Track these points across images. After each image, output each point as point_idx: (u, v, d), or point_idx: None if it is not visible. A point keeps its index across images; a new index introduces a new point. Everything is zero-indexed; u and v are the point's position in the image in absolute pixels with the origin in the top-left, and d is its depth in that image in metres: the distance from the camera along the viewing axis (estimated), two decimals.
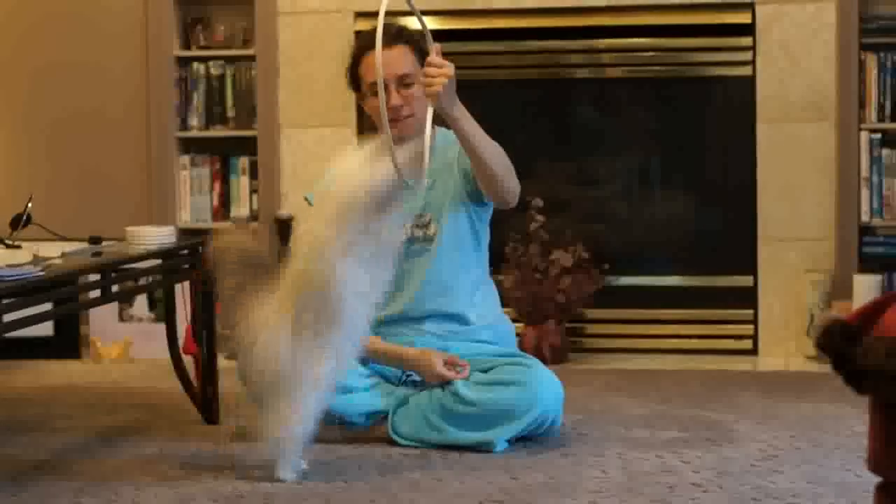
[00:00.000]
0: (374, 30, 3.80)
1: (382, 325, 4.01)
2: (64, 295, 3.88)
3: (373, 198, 3.45)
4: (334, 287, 3.41)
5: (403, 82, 3.95)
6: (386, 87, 3.89)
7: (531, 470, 3.62)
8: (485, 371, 3.91)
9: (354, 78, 4.04)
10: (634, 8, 5.58)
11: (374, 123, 4.01)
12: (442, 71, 3.62)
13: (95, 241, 4.30)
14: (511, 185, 3.86)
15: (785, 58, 5.47)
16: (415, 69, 3.93)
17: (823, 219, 5.48)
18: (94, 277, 3.95)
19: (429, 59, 3.65)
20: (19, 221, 4.23)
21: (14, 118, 6.02)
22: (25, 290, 3.56)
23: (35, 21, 5.96)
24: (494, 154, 3.80)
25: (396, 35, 3.95)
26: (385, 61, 3.80)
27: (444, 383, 3.90)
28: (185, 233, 5.68)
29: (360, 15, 5.72)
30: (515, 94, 5.73)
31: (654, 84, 5.66)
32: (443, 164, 4.03)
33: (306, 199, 4.05)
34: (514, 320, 4.41)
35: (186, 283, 4.25)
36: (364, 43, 3.99)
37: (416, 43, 3.96)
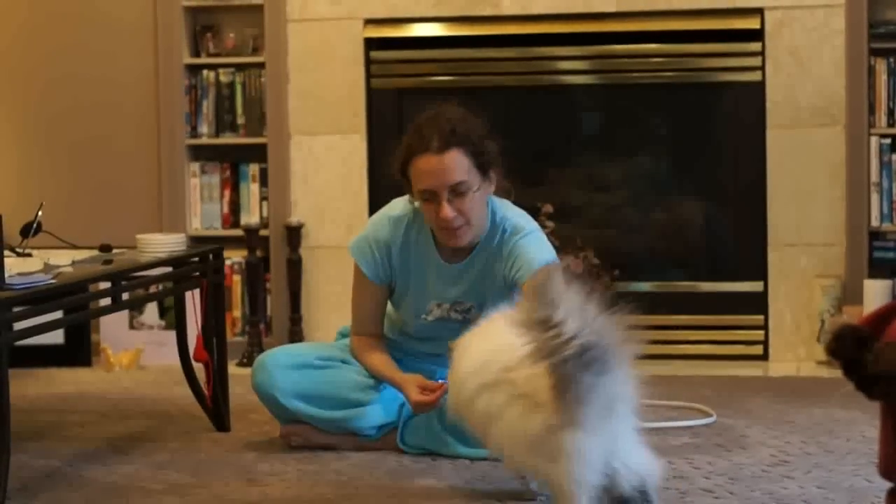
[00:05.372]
0: (429, 128, 3.68)
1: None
2: (74, 303, 3.88)
3: None
4: None
5: (457, 191, 3.69)
6: (437, 198, 3.70)
7: None
8: None
9: (403, 169, 3.78)
10: (643, 14, 5.57)
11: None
12: (435, 398, 3.69)
13: (106, 248, 4.30)
14: None
15: (794, 63, 5.47)
16: (469, 174, 3.70)
17: (833, 224, 5.47)
18: (105, 285, 3.95)
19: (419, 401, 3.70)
20: (30, 229, 4.24)
21: (25, 127, 6.03)
22: (36, 299, 3.56)
23: (45, 30, 5.97)
24: None
25: (449, 138, 3.70)
26: (436, 169, 3.68)
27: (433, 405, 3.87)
28: (195, 240, 5.70)
29: (369, 22, 5.72)
30: (525, 100, 5.73)
31: (663, 90, 5.66)
32: (484, 260, 3.85)
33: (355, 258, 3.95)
34: None
35: (197, 291, 4.25)
36: (416, 143, 3.73)
37: (470, 144, 3.72)
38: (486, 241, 3.84)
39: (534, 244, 3.80)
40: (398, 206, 3.95)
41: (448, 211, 3.69)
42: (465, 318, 3.87)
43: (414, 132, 3.77)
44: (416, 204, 3.82)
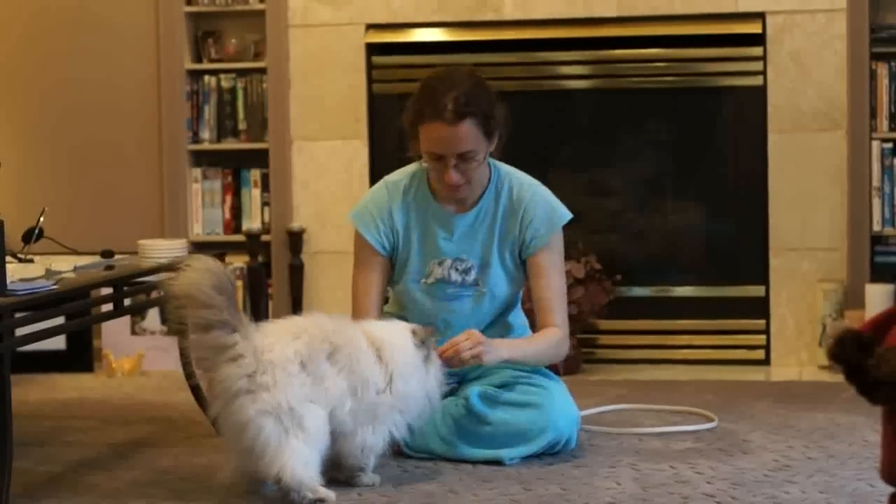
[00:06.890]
0: (444, 95, 3.72)
1: None
2: (76, 309, 3.88)
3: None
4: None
5: (465, 158, 3.77)
6: (444, 161, 3.77)
7: (544, 481, 3.61)
8: (500, 386, 3.90)
9: (412, 126, 3.83)
10: (645, 18, 5.58)
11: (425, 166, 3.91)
12: (472, 351, 3.66)
13: (108, 254, 4.30)
14: (558, 358, 4.00)
15: (796, 68, 5.47)
16: (477, 143, 3.77)
17: (835, 228, 5.47)
18: (107, 291, 3.95)
19: (457, 345, 3.65)
20: (32, 235, 4.24)
21: (26, 132, 6.03)
22: (38, 304, 3.57)
23: (47, 36, 5.97)
24: (547, 357, 3.95)
25: (463, 109, 3.74)
26: (447, 139, 3.74)
27: (460, 397, 3.87)
28: (197, 246, 5.70)
29: (370, 27, 5.73)
30: (526, 105, 5.73)
31: (664, 94, 5.66)
32: (491, 214, 3.94)
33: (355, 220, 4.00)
34: None
35: None
36: (430, 108, 3.76)
37: (482, 114, 3.77)
38: (491, 192, 3.94)
39: (545, 206, 3.99)
40: (394, 174, 4.02)
41: (454, 176, 3.78)
42: (463, 280, 3.93)
43: (428, 95, 3.80)
44: (423, 161, 3.89)
